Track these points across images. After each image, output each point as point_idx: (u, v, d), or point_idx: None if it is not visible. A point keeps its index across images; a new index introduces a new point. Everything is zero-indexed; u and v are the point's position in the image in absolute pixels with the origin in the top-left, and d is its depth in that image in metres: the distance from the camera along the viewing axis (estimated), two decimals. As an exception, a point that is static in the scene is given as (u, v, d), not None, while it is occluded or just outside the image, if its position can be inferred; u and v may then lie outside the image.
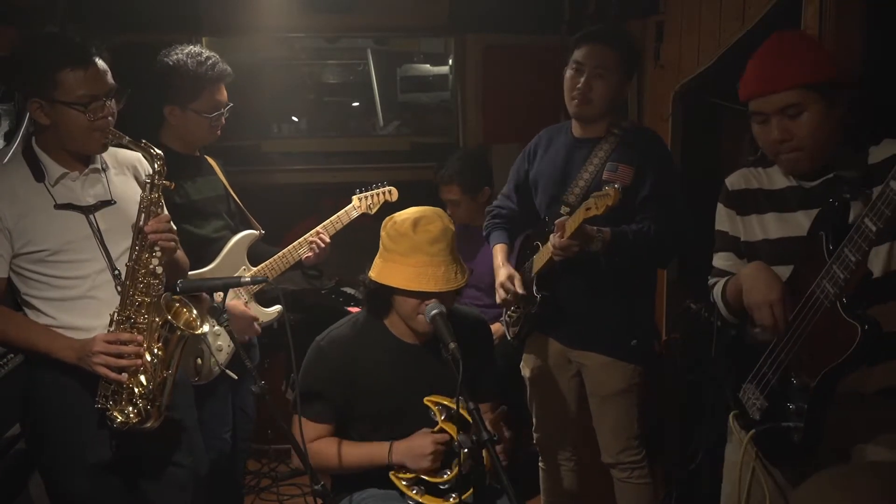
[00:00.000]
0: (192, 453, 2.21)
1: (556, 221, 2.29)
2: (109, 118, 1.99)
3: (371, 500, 2.04)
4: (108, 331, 1.98)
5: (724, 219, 1.93)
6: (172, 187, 2.07)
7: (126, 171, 2.16)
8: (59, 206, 1.99)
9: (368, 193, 2.93)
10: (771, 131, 1.70)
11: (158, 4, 3.65)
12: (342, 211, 2.89)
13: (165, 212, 2.06)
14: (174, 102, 2.56)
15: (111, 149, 2.10)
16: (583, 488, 2.85)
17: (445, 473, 1.98)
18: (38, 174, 1.99)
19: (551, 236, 2.30)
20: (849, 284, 1.58)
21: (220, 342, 2.59)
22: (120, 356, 1.92)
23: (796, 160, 1.72)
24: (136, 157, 2.17)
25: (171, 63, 2.54)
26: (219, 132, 2.65)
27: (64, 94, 1.92)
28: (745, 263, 1.89)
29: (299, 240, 2.81)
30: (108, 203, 2.06)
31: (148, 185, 2.03)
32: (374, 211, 2.92)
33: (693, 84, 2.99)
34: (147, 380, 1.98)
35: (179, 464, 2.17)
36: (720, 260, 1.97)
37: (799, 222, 1.76)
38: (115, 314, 1.99)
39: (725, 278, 1.92)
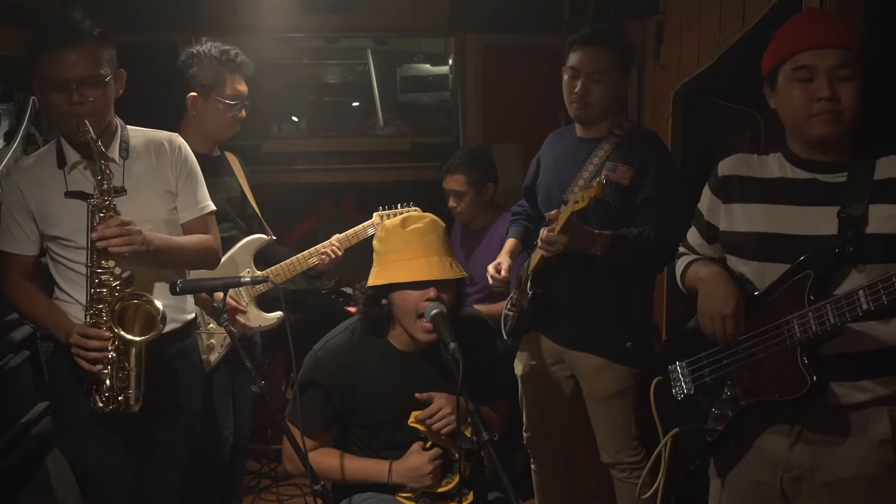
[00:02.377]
0: (191, 431, 2.28)
1: (549, 214, 2.28)
2: (77, 106, 1.94)
3: (371, 501, 2.04)
4: (85, 322, 2.02)
5: (705, 201, 1.91)
6: (124, 194, 2.01)
7: (152, 154, 2.15)
8: (67, 194, 2.03)
9: (392, 212, 2.86)
10: (818, 89, 1.58)
11: (158, 4, 3.66)
12: (360, 226, 2.86)
13: (119, 215, 1.98)
14: (197, 90, 2.59)
15: (142, 131, 2.16)
16: (577, 489, 2.84)
17: (447, 481, 1.99)
18: (61, 160, 2.06)
19: (542, 230, 2.30)
20: (818, 338, 1.58)
21: (212, 340, 2.59)
22: (88, 349, 1.97)
23: (831, 124, 1.59)
24: (167, 136, 2.19)
25: (194, 52, 2.60)
26: (238, 127, 2.67)
27: (39, 77, 1.97)
28: (713, 249, 1.90)
29: (311, 249, 2.80)
30: (119, 192, 2.06)
31: (96, 191, 1.98)
32: None
33: (693, 84, 2.98)
34: (113, 373, 2.00)
35: (175, 440, 2.24)
36: (692, 236, 1.98)
37: (786, 216, 1.70)
38: (86, 308, 2.03)
39: (691, 257, 1.94)
